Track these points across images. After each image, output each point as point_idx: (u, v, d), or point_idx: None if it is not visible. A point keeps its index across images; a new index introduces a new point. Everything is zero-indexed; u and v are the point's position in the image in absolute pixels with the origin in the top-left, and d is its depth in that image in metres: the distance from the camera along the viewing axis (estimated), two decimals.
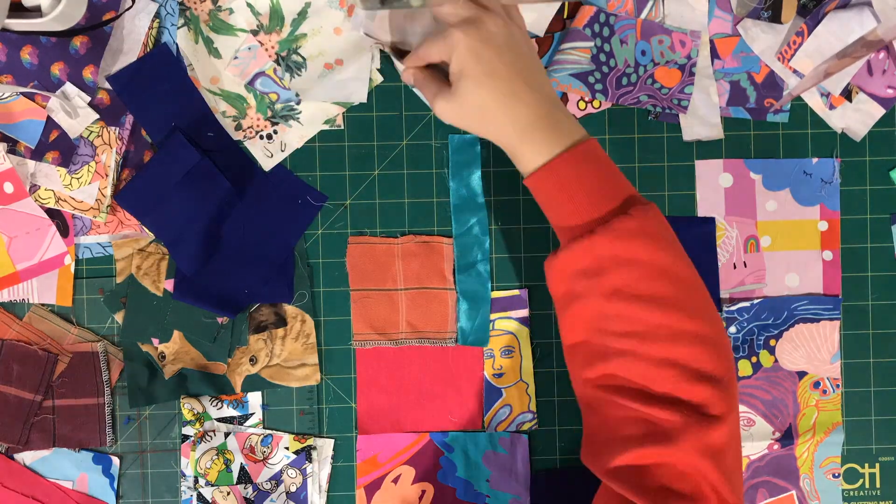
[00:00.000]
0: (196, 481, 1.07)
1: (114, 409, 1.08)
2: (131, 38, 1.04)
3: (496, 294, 1.08)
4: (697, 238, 1.08)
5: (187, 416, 1.08)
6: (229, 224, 1.06)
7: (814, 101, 1.08)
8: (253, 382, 1.08)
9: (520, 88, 0.90)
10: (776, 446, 1.09)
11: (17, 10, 0.97)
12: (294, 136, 1.07)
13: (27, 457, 1.08)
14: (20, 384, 1.06)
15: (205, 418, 1.08)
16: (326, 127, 1.08)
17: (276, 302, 1.08)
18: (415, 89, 1.05)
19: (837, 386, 1.09)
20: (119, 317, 1.07)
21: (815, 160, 1.08)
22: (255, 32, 1.05)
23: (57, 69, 1.00)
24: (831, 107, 1.08)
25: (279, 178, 1.07)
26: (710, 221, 1.08)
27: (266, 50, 1.05)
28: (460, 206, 1.08)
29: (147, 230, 1.06)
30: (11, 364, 1.06)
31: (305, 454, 1.08)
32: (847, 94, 1.07)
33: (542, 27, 1.06)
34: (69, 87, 1.01)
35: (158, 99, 1.04)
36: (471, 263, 1.08)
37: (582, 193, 0.88)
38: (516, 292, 1.09)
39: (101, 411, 1.07)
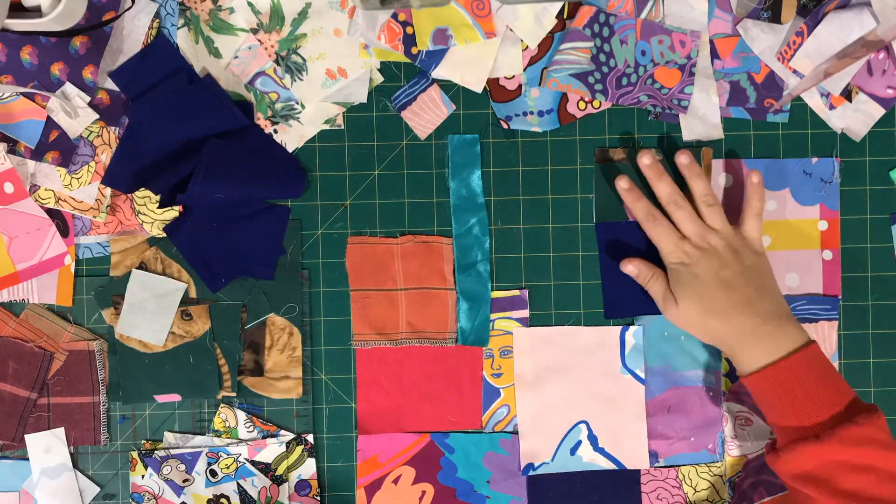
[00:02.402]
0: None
1: (108, 407, 1.08)
2: (131, 38, 1.04)
3: (496, 294, 1.08)
4: None
5: (217, 424, 1.08)
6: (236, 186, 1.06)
7: (814, 101, 1.08)
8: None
9: (740, 304, 0.98)
10: None
11: (17, 10, 0.96)
12: (294, 136, 1.07)
13: None
14: (15, 381, 1.06)
15: (232, 434, 1.08)
16: (326, 127, 1.08)
17: (258, 278, 1.07)
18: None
19: None
20: (107, 314, 1.07)
21: (815, 160, 1.08)
22: (254, 31, 1.05)
23: (57, 69, 1.00)
24: (831, 107, 1.08)
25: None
26: None
27: (266, 49, 1.05)
28: (460, 206, 1.08)
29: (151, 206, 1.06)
30: (7, 361, 1.06)
31: None
32: (847, 94, 1.07)
33: (538, 36, 1.06)
34: (69, 87, 1.01)
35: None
36: (471, 263, 1.08)
37: (804, 398, 0.94)
38: (516, 292, 1.09)
39: (96, 410, 1.07)
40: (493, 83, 1.07)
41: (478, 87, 1.06)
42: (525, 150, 1.08)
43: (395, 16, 1.04)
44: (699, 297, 0.99)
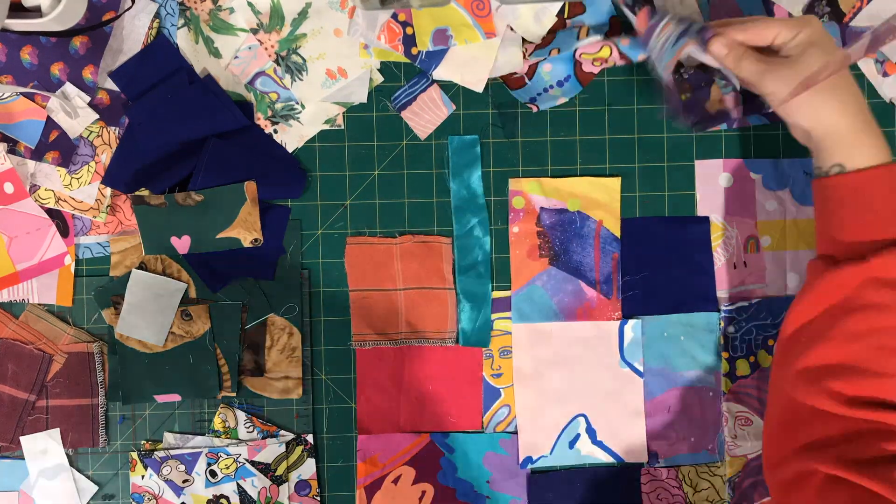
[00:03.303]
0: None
1: (107, 409, 1.08)
2: (131, 38, 1.04)
3: (496, 294, 1.08)
4: (692, 238, 1.08)
5: (217, 425, 1.08)
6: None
7: (867, 67, 1.07)
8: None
9: (856, 90, 0.92)
10: None
11: (17, 10, 0.96)
12: (294, 136, 1.07)
13: None
14: (14, 383, 1.06)
15: (232, 434, 1.08)
16: (326, 127, 1.08)
17: (258, 278, 1.07)
18: (716, 64, 0.99)
19: None
20: (107, 314, 1.07)
21: None
22: (254, 31, 1.05)
23: (57, 69, 1.00)
24: (885, 74, 1.07)
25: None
26: (705, 221, 1.08)
27: (266, 49, 1.05)
28: (461, 207, 1.08)
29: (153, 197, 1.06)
30: (6, 363, 1.06)
31: None
32: None
33: (539, 35, 1.06)
34: (69, 87, 1.01)
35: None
36: (472, 264, 1.08)
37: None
38: None
39: (94, 412, 1.07)
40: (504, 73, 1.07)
41: (478, 86, 1.06)
42: (525, 150, 1.08)
43: (395, 16, 1.04)
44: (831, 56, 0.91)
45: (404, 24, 1.04)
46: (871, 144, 0.91)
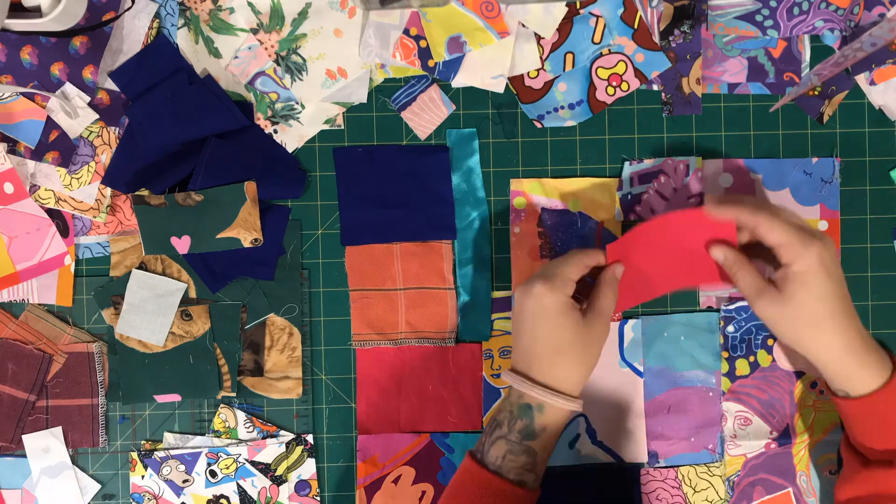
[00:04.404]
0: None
1: (107, 409, 1.08)
2: (131, 38, 1.04)
3: (496, 294, 1.08)
4: None
5: (217, 425, 1.08)
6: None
7: (858, 76, 1.07)
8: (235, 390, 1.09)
9: (851, 313, 0.92)
10: (773, 445, 1.09)
11: (17, 10, 0.96)
12: (294, 136, 1.07)
13: None
14: (14, 383, 1.06)
15: (232, 434, 1.08)
16: (326, 127, 1.08)
17: (258, 278, 1.07)
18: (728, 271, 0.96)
19: None
20: (107, 314, 1.07)
21: (815, 160, 1.08)
22: (254, 31, 1.05)
23: (57, 69, 1.00)
24: (872, 82, 1.07)
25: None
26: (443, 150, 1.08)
27: (266, 49, 1.05)
28: (461, 200, 1.07)
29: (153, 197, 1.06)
30: (6, 363, 1.06)
31: None
32: None
33: (551, 27, 1.05)
34: (69, 87, 1.01)
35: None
36: (472, 257, 1.08)
37: None
38: None
39: (94, 412, 1.07)
40: (518, 85, 1.07)
41: (499, 87, 1.06)
42: (525, 150, 1.08)
43: (406, 31, 1.04)
44: (826, 296, 0.90)
45: (417, 38, 1.04)
46: (871, 367, 0.92)
